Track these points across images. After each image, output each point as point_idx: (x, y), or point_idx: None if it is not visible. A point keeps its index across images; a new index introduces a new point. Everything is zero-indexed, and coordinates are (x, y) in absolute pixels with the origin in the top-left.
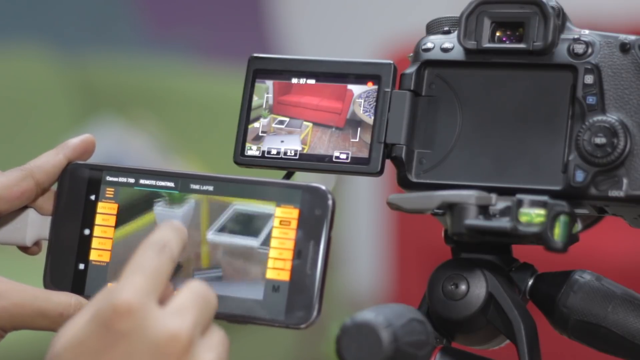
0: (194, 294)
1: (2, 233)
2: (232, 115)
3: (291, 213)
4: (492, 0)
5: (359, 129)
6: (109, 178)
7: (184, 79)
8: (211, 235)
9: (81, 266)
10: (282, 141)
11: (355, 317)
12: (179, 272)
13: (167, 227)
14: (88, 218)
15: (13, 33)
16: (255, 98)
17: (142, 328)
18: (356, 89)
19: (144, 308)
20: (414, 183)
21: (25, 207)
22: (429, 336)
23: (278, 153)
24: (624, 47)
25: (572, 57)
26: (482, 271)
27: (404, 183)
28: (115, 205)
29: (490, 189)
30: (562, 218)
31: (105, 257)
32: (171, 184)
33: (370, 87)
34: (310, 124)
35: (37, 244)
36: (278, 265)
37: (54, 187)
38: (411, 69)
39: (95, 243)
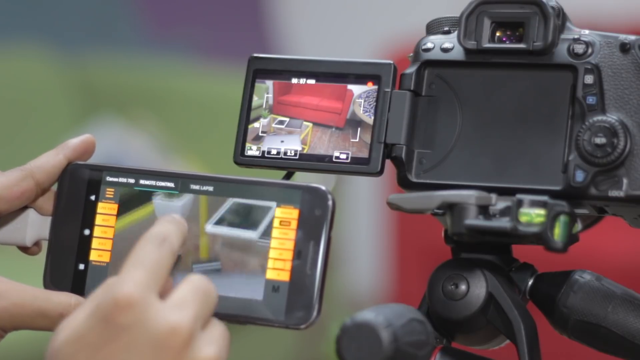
0: (195, 288)
1: (2, 233)
2: (232, 115)
3: (291, 213)
4: (492, 0)
5: (359, 129)
6: (109, 178)
7: (184, 79)
8: (210, 228)
9: (81, 266)
10: (282, 141)
11: (355, 317)
12: (177, 265)
13: (167, 220)
14: (88, 218)
15: (13, 33)
16: (255, 98)
17: (142, 321)
18: (356, 89)
19: (145, 301)
20: (414, 183)
21: (25, 207)
22: (429, 336)
23: (278, 153)
24: (624, 47)
25: (572, 57)
26: (482, 271)
27: (404, 183)
28: (115, 206)
29: (490, 189)
30: (562, 218)
31: (105, 258)
32: (171, 184)
33: (370, 87)
34: (310, 124)
35: (37, 244)
36: (278, 265)
37: (54, 187)
38: (411, 69)
39: (95, 243)
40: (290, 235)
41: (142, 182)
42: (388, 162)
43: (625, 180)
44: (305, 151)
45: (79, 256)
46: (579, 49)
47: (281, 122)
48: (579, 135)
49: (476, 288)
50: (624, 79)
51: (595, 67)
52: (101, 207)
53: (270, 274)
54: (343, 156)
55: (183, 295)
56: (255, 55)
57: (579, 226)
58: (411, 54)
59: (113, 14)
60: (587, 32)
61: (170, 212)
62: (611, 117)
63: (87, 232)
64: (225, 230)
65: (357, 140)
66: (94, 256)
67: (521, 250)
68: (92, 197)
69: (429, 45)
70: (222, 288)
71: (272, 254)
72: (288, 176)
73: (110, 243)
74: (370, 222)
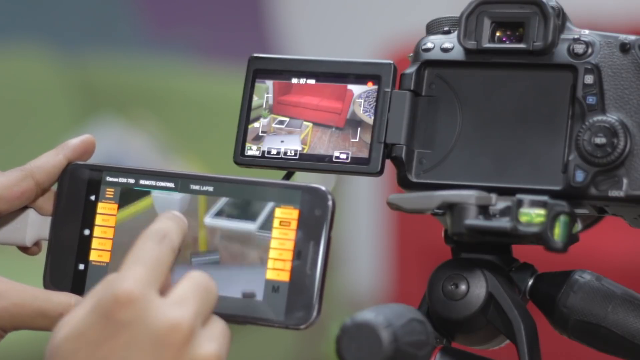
0: (195, 284)
1: (2, 233)
2: (232, 115)
3: (291, 214)
4: (492, 0)
5: (359, 129)
6: (108, 178)
7: (184, 79)
8: (209, 219)
9: (81, 266)
10: (282, 141)
11: (355, 317)
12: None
13: (167, 217)
14: (88, 218)
15: (13, 33)
16: (255, 98)
17: (143, 318)
18: (356, 89)
19: (145, 298)
20: (414, 183)
21: (25, 208)
22: (429, 336)
23: (278, 153)
24: (624, 47)
25: (572, 57)
26: (482, 271)
27: (404, 183)
28: (115, 206)
29: (490, 189)
30: (562, 218)
31: (105, 258)
32: (171, 185)
33: (370, 87)
34: (310, 124)
35: (37, 244)
36: (278, 265)
37: (54, 188)
38: (411, 69)
39: (95, 243)
40: (290, 235)
41: (142, 182)
42: (388, 162)
43: (625, 180)
44: (305, 151)
45: (79, 256)
46: (579, 49)
47: (281, 122)
48: (579, 135)
49: (476, 288)
50: (624, 79)
51: (595, 67)
52: (101, 207)
53: (270, 274)
54: (343, 156)
55: (183, 292)
56: (255, 55)
57: (579, 226)
58: (411, 54)
59: (113, 14)
60: (587, 32)
61: (169, 205)
62: (611, 117)
63: (87, 232)
64: (224, 222)
65: (357, 140)
66: (93, 256)
67: (521, 250)
68: (92, 197)
69: (429, 45)
70: (221, 280)
71: (272, 254)
72: (288, 176)
73: (110, 243)
74: (370, 222)
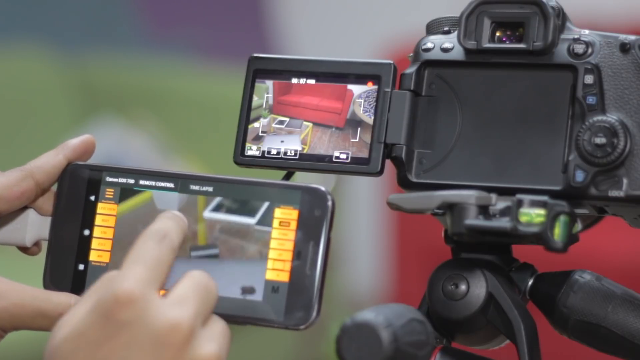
0: (195, 284)
1: (2, 233)
2: (232, 115)
3: (290, 214)
4: (492, 0)
5: (359, 129)
6: (108, 179)
7: (184, 79)
8: (208, 213)
9: (81, 267)
10: (282, 141)
11: (355, 317)
12: None
13: (167, 217)
14: (88, 219)
15: (13, 33)
16: (255, 98)
17: (143, 318)
18: (356, 89)
19: (145, 298)
20: (414, 183)
21: (25, 208)
22: (429, 336)
23: (278, 153)
24: (624, 47)
25: (572, 57)
26: (482, 271)
27: (404, 183)
28: (115, 206)
29: (490, 189)
30: (562, 218)
31: (105, 258)
32: (171, 185)
33: (370, 87)
34: (310, 124)
35: (37, 244)
36: (277, 266)
37: (54, 188)
38: (411, 69)
39: (95, 244)
40: (290, 235)
41: (141, 182)
42: (388, 162)
43: (625, 180)
44: (305, 151)
45: (79, 256)
46: (579, 49)
47: (281, 122)
48: (579, 135)
49: (476, 288)
50: (624, 79)
51: (595, 67)
52: (101, 207)
53: (269, 275)
54: (343, 156)
55: (184, 291)
56: (255, 55)
57: (579, 226)
58: (411, 54)
59: (113, 14)
60: (587, 32)
61: (169, 205)
62: (611, 117)
63: (86, 232)
64: (223, 216)
65: (357, 140)
66: (93, 256)
67: (521, 250)
68: (92, 198)
69: (429, 45)
70: (219, 274)
71: (271, 254)
72: (288, 176)
73: (109, 243)
74: (370, 222)
